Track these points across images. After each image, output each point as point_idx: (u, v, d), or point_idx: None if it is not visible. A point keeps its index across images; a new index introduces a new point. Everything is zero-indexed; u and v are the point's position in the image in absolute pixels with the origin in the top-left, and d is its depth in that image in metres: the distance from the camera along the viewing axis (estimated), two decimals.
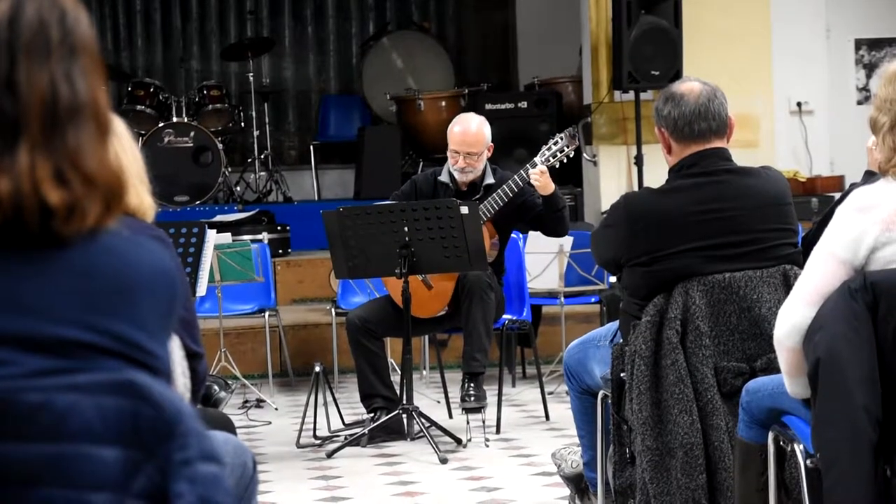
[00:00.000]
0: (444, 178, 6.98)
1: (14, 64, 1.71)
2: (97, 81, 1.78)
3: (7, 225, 1.69)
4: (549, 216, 6.79)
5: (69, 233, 1.72)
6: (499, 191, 6.76)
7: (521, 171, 6.75)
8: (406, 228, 6.40)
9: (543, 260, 7.88)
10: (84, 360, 1.69)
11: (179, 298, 1.83)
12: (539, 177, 6.63)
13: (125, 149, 3.10)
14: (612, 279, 7.56)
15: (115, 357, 1.71)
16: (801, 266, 3.57)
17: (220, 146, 11.37)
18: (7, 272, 1.70)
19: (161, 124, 11.32)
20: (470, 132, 6.87)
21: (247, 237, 8.99)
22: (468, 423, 6.69)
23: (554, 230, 6.96)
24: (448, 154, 6.92)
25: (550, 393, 7.63)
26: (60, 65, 1.73)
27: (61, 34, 1.75)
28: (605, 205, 9.54)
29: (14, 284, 1.70)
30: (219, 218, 9.89)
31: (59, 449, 1.65)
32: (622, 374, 4.28)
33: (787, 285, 4.04)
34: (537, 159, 6.79)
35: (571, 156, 6.93)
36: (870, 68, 10.68)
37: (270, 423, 7.41)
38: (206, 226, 6.66)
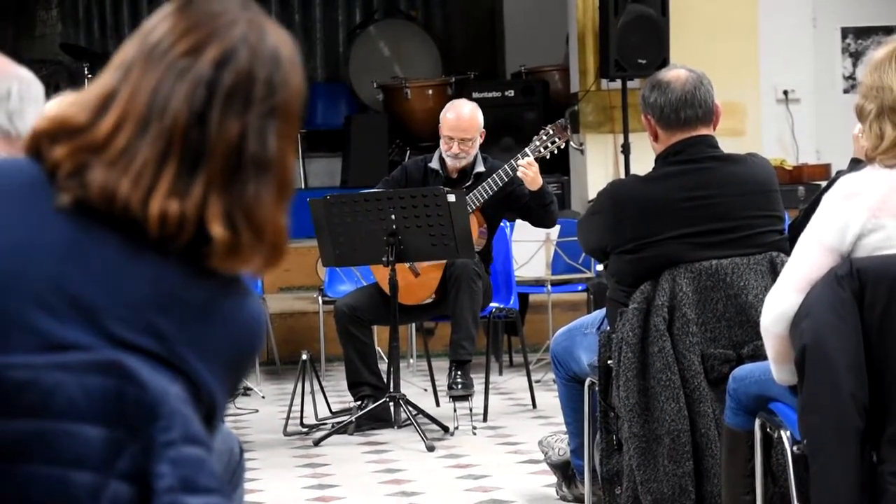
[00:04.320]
0: (434, 164, 6.99)
1: (210, 103, 1.74)
2: (289, 145, 1.80)
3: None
4: (537, 209, 6.80)
5: (223, 270, 1.76)
6: (488, 180, 6.77)
7: (512, 161, 6.75)
8: (393, 216, 6.40)
9: (530, 248, 7.89)
10: (116, 350, 1.71)
11: (254, 354, 1.85)
12: (527, 169, 6.63)
13: None
14: (599, 267, 7.56)
15: (151, 357, 1.72)
16: (788, 253, 3.58)
17: None
18: (108, 246, 1.73)
19: None
20: (464, 118, 6.88)
21: None
22: (455, 410, 6.69)
23: (541, 222, 6.97)
24: (441, 141, 6.92)
25: (537, 381, 7.63)
26: (256, 120, 1.76)
27: (266, 92, 1.77)
28: (592, 193, 9.53)
29: (106, 258, 1.73)
30: None
31: (42, 426, 1.66)
32: (609, 362, 4.28)
33: (774, 272, 4.05)
34: (528, 150, 6.80)
35: (562, 147, 6.94)
36: (856, 57, 10.69)
37: (257, 411, 7.40)
38: None
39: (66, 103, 1.78)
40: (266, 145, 1.77)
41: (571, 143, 10.43)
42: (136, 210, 1.72)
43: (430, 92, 11.71)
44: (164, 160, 1.73)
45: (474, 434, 6.56)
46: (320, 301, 8.13)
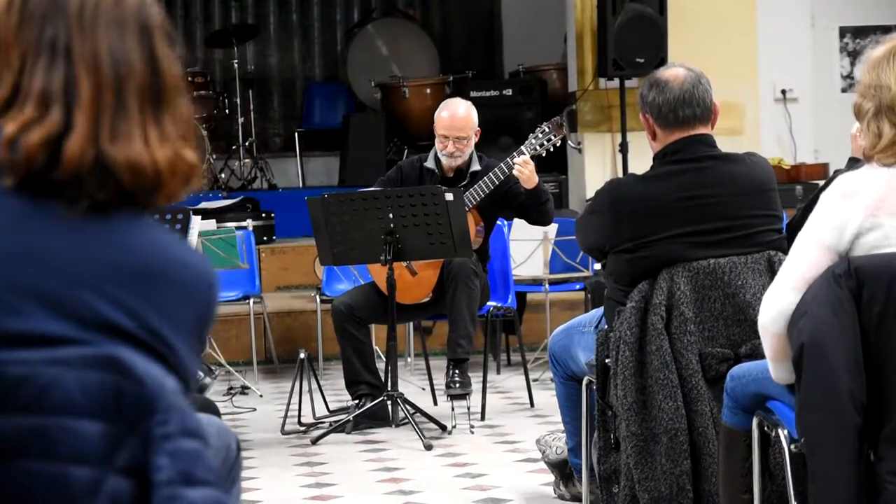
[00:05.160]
0: (429, 164, 6.98)
1: (153, 44, 1.82)
2: None
3: (75, 192, 1.73)
4: (533, 207, 6.79)
5: (178, 196, 1.81)
6: (485, 178, 6.77)
7: (508, 159, 6.75)
8: (391, 215, 6.40)
9: (528, 247, 7.89)
10: (94, 334, 1.70)
11: (214, 310, 1.85)
12: (523, 167, 6.62)
13: None
14: (597, 266, 7.57)
15: (128, 338, 1.71)
16: (786, 252, 3.58)
17: (204, 133, 11.33)
18: (50, 232, 1.73)
19: None
20: (458, 116, 6.88)
21: (231, 224, 8.97)
22: (453, 409, 6.69)
23: (538, 220, 6.97)
24: (436, 139, 6.92)
25: (535, 380, 7.63)
26: (172, 46, 1.86)
27: (160, 17, 1.87)
28: (590, 192, 9.55)
29: (53, 245, 1.73)
30: (203, 205, 9.86)
31: (40, 422, 1.66)
32: (607, 360, 4.28)
33: (772, 271, 4.05)
34: (524, 148, 6.80)
35: (558, 145, 6.93)
36: (854, 56, 10.69)
37: (255, 409, 7.41)
38: (191, 212, 6.65)
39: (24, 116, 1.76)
40: (175, 65, 1.86)
41: (569, 141, 10.43)
42: (152, 171, 1.75)
43: (428, 91, 11.71)
44: (144, 113, 1.78)
45: (472, 433, 6.56)
46: (318, 300, 8.14)
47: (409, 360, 8.53)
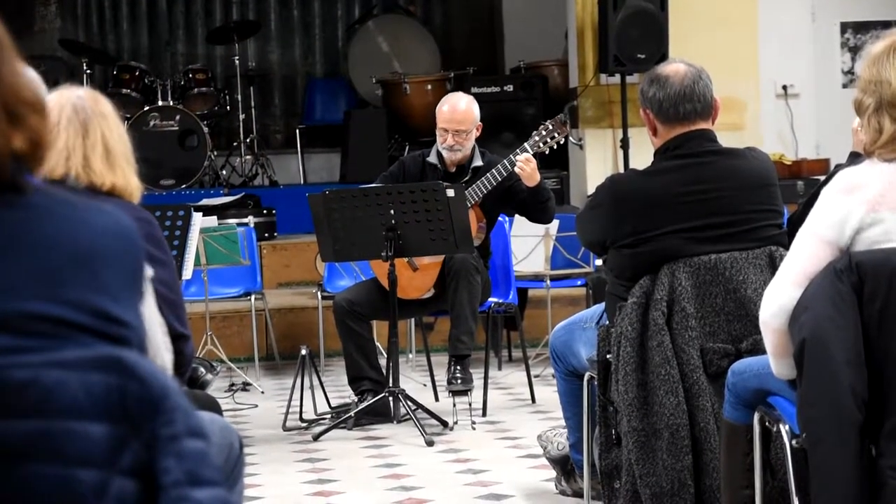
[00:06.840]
0: (432, 159, 6.98)
1: None
2: None
3: None
4: (534, 205, 6.79)
5: (35, 174, 1.66)
6: (487, 175, 6.76)
7: (511, 156, 6.75)
8: (392, 211, 6.40)
9: (529, 243, 7.89)
10: (49, 338, 1.67)
11: (143, 257, 1.78)
12: (525, 165, 6.62)
13: (112, 129, 3.10)
14: (598, 262, 7.57)
15: (82, 330, 1.69)
16: (787, 247, 3.58)
17: (205, 130, 11.34)
18: None
19: (147, 108, 11.30)
20: (459, 109, 6.88)
21: (233, 221, 8.98)
22: (454, 405, 6.69)
23: (538, 218, 6.97)
24: (437, 133, 6.92)
25: (536, 376, 7.63)
26: None
27: None
28: (592, 188, 9.54)
29: None
30: (205, 201, 9.86)
31: (46, 425, 1.65)
32: (608, 356, 4.28)
33: (773, 266, 4.05)
34: (526, 145, 6.80)
35: (562, 142, 6.93)
36: (855, 51, 10.69)
37: (257, 406, 7.41)
38: (192, 209, 6.65)
39: None
40: None
41: (570, 138, 10.43)
42: None
43: (429, 87, 11.71)
44: None
45: (473, 429, 6.56)
46: (319, 296, 8.14)
47: (410, 356, 8.53)
